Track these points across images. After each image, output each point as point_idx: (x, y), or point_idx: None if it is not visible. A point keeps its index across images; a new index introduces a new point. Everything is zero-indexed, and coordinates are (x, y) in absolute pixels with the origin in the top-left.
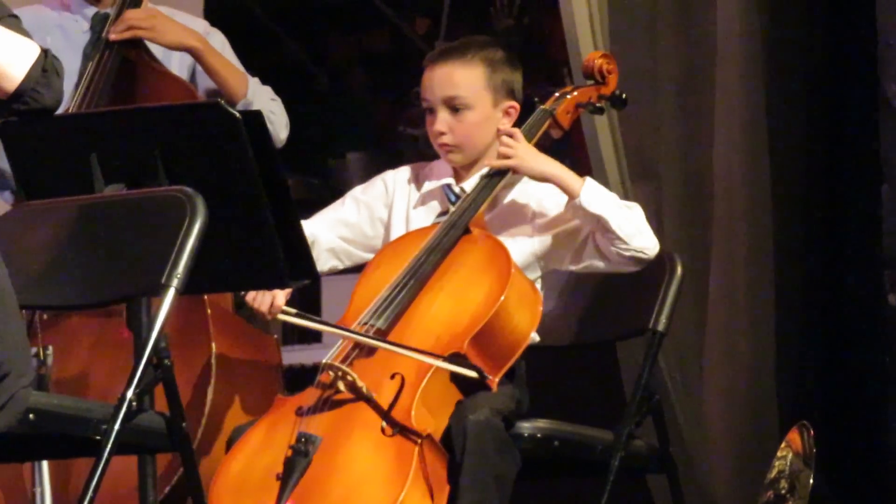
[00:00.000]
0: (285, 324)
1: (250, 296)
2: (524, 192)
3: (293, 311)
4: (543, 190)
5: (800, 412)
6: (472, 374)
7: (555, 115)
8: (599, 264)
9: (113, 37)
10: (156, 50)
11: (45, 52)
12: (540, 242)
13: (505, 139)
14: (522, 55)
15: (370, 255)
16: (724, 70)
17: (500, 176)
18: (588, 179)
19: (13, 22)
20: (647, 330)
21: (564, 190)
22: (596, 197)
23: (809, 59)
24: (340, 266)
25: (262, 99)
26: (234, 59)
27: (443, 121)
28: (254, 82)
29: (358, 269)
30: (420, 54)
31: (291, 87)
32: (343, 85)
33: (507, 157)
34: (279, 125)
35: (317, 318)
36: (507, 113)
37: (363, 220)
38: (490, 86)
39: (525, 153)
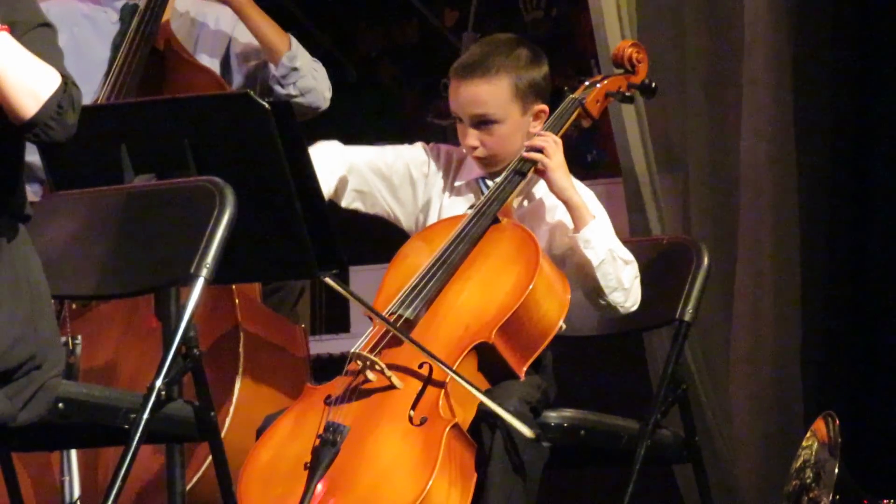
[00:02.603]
0: (313, 314)
1: None
2: None
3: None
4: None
5: (825, 401)
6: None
7: (584, 105)
8: (581, 291)
9: None
10: (185, 40)
11: (65, 83)
12: (560, 239)
13: (550, 137)
14: (550, 47)
15: (389, 211)
16: (750, 61)
17: (529, 167)
18: (597, 220)
19: (45, 33)
20: (673, 320)
21: (573, 218)
22: (594, 241)
23: (836, 49)
24: (362, 209)
25: (306, 57)
26: None
27: (474, 136)
28: (295, 41)
29: (386, 259)
30: (448, 46)
31: None
32: (371, 76)
33: (546, 153)
34: (324, 85)
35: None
36: (536, 116)
37: (403, 181)
38: (518, 96)
39: (560, 165)
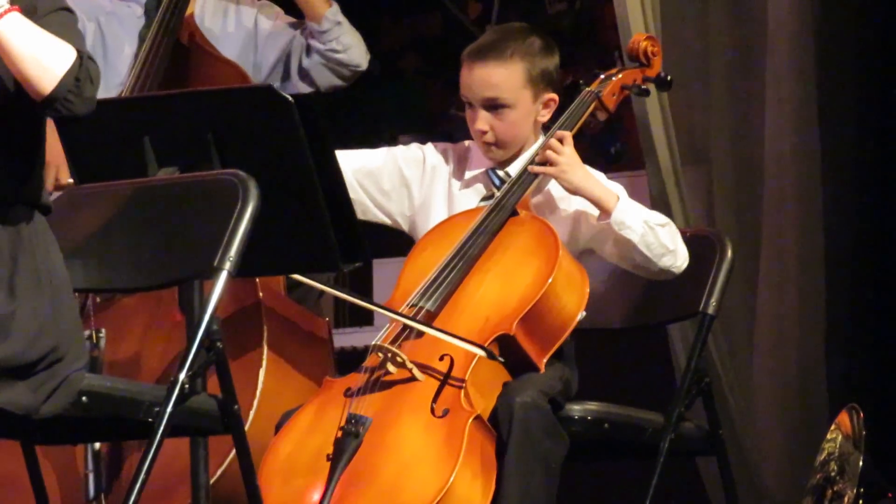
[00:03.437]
0: (336, 307)
1: None
2: None
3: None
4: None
5: (849, 394)
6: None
7: (600, 98)
8: (629, 268)
9: None
10: (212, 27)
11: (81, 58)
12: (585, 227)
13: (553, 143)
14: (574, 40)
15: (383, 217)
16: (774, 53)
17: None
18: (621, 200)
19: (64, 17)
20: (697, 312)
21: (597, 207)
22: (626, 220)
23: (861, 41)
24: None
25: (347, 22)
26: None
27: (484, 120)
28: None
29: (408, 252)
30: (472, 38)
31: None
32: (395, 69)
33: (551, 163)
34: (363, 45)
35: (370, 300)
36: (546, 105)
37: (394, 184)
38: (530, 82)
39: (569, 164)
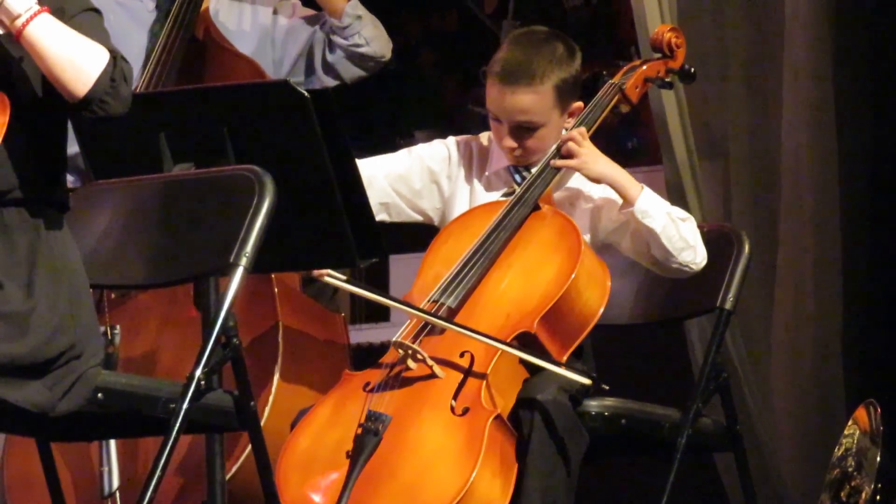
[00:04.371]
0: (352, 303)
1: None
2: None
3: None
4: None
5: (867, 389)
6: (544, 363)
7: (624, 90)
8: (646, 264)
9: None
10: (227, 22)
11: (115, 58)
12: (606, 221)
13: (573, 134)
14: (590, 34)
15: (416, 216)
16: (791, 47)
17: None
18: (645, 190)
19: (92, 17)
20: (714, 308)
21: (621, 195)
22: (650, 209)
23: (878, 35)
24: (388, 220)
25: (367, 13)
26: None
27: (513, 138)
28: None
29: (426, 247)
30: (488, 34)
31: None
32: (412, 64)
33: (571, 155)
34: (386, 35)
35: (392, 296)
36: (572, 114)
37: (424, 182)
38: (559, 101)
39: (589, 155)
